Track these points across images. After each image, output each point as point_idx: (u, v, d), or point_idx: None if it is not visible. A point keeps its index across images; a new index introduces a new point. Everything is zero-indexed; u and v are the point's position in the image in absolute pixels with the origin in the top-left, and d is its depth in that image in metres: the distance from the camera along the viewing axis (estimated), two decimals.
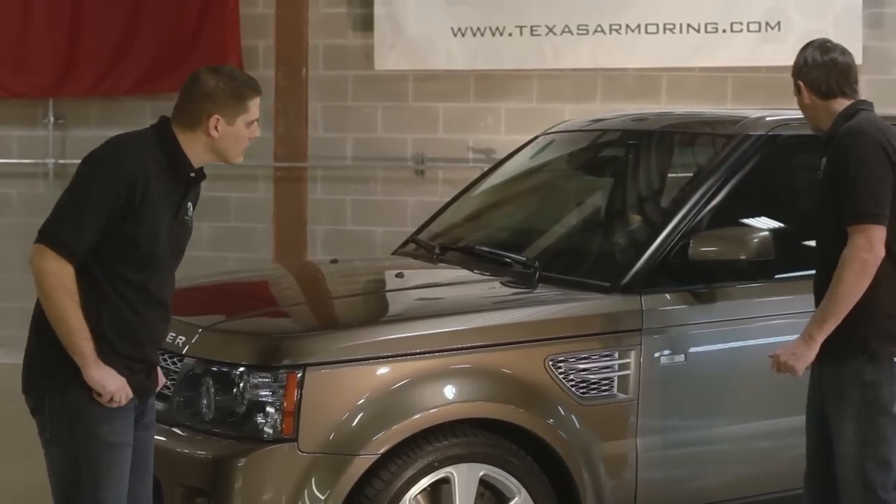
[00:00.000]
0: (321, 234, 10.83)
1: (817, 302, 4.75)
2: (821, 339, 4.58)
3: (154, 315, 4.24)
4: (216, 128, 4.19)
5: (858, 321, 4.59)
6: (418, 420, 4.65)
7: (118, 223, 4.05)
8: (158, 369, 4.43)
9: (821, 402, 4.82)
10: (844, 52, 4.92)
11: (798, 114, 6.32)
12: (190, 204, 4.33)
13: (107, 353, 4.11)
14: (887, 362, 4.63)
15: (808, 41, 4.98)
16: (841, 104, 4.81)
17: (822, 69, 4.81)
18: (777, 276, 5.34)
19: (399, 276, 5.92)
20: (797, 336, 4.67)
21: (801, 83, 4.85)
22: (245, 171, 10.39)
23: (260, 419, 4.59)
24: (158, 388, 4.47)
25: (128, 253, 4.10)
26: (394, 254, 6.52)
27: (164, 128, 4.25)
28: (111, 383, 4.10)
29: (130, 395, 4.16)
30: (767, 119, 5.83)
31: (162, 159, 4.18)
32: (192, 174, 4.25)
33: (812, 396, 4.93)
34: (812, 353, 4.61)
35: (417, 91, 10.70)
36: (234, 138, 4.24)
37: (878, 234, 4.52)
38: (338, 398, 4.63)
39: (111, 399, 4.10)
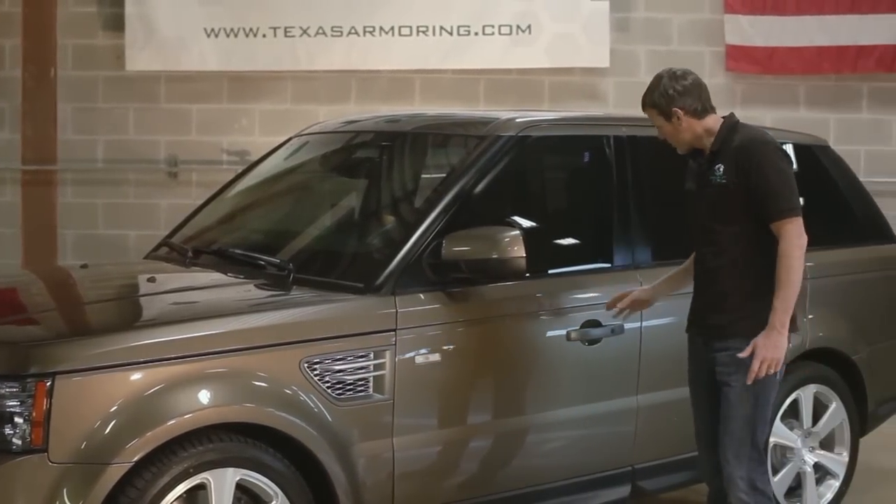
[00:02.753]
0: (72, 238, 10.61)
1: (696, 291, 5.35)
2: (787, 323, 5.04)
3: None
4: None
5: (768, 305, 5.05)
6: (172, 426, 4.57)
7: None
8: None
9: (711, 377, 5.28)
10: (693, 72, 5.35)
11: (547, 115, 6.49)
12: None
13: None
14: None
15: (660, 73, 5.30)
16: (713, 119, 5.26)
17: (693, 93, 5.22)
18: (530, 274, 5.42)
19: (151, 280, 5.83)
20: (762, 333, 5.02)
21: (677, 110, 5.19)
22: None
23: (8, 430, 4.44)
24: None
25: None
26: (146, 258, 6.42)
27: None
28: None
29: None
30: (518, 120, 5.93)
31: None
32: None
33: (699, 375, 5.40)
34: (786, 339, 5.06)
35: (170, 92, 10.59)
36: None
37: (802, 223, 5.08)
38: (89, 406, 4.52)
39: None
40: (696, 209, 5.32)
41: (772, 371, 5.03)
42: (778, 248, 5.05)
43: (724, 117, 5.29)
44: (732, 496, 5.20)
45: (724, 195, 5.14)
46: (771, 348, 5.00)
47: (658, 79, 5.27)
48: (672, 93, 5.19)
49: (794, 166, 5.68)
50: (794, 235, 5.03)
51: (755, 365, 5.00)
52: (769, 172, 5.08)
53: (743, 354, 5.06)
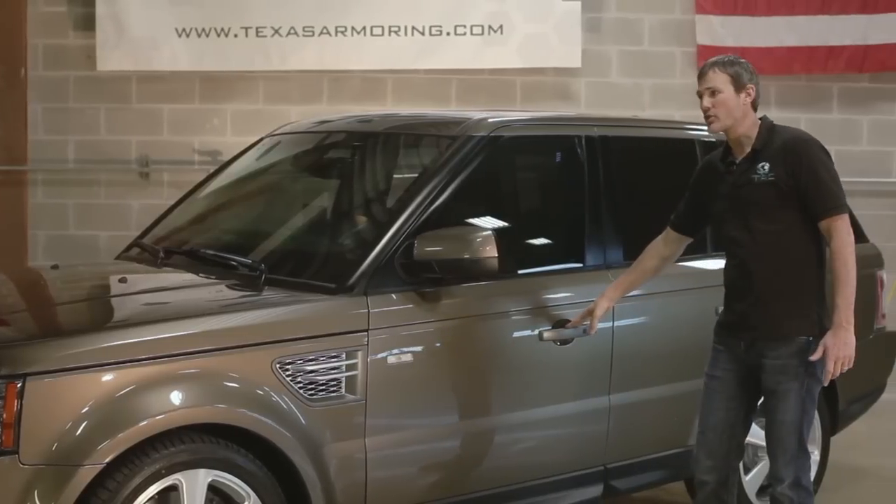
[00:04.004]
0: (43, 239, 10.57)
1: (735, 293, 5.27)
2: (852, 319, 5.02)
3: None
4: None
5: (813, 303, 5.15)
6: (144, 427, 4.56)
7: None
8: None
9: (748, 379, 5.31)
10: None
11: (519, 115, 6.48)
12: None
13: None
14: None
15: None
16: (756, 117, 5.27)
17: (758, 85, 5.28)
18: (502, 274, 5.42)
19: (123, 281, 5.82)
20: (829, 332, 5.03)
21: (751, 87, 5.24)
22: None
23: None
24: None
25: None
26: (118, 258, 6.40)
27: None
28: None
29: None
30: (490, 121, 5.93)
31: None
32: None
33: (730, 377, 5.36)
34: (853, 336, 5.02)
35: (141, 92, 10.56)
36: None
37: (849, 220, 5.14)
38: (61, 407, 4.50)
39: None
40: (727, 212, 5.26)
41: (846, 368, 5.03)
42: (831, 245, 5.07)
43: (760, 118, 5.27)
44: (776, 492, 5.25)
45: (770, 193, 5.12)
46: (842, 346, 4.99)
47: (734, 58, 5.29)
48: (753, 71, 5.26)
49: None
50: (844, 232, 5.06)
51: (829, 366, 4.99)
52: (820, 171, 5.11)
53: (814, 357, 5.04)
